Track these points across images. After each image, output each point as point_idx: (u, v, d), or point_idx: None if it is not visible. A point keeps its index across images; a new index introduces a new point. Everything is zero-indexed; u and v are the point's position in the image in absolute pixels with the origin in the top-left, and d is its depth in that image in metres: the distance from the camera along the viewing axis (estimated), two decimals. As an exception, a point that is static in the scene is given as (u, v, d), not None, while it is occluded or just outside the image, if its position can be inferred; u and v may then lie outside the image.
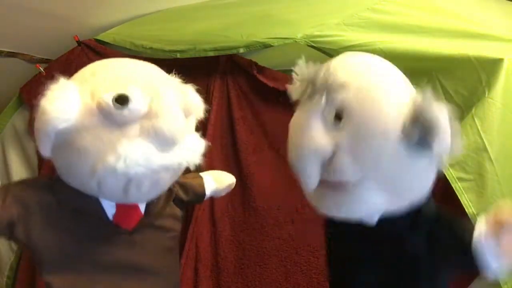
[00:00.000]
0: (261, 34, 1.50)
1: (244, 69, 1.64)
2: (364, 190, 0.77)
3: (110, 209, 0.93)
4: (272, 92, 1.59)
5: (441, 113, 0.73)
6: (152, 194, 0.94)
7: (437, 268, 0.86)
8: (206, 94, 1.67)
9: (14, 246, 1.88)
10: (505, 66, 1.17)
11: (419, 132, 0.72)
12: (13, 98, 1.97)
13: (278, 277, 1.60)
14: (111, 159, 0.81)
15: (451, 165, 1.17)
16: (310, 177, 0.75)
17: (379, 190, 0.77)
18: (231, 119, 1.67)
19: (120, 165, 0.81)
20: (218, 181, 1.27)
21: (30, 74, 1.93)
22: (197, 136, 0.94)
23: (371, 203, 0.78)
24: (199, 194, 1.21)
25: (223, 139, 1.67)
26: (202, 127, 1.05)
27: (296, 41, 1.41)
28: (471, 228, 0.82)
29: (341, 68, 0.77)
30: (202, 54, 1.61)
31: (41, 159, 1.87)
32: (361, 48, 1.30)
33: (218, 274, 1.64)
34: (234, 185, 1.34)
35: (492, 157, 1.14)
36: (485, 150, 1.15)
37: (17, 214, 0.88)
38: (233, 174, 1.65)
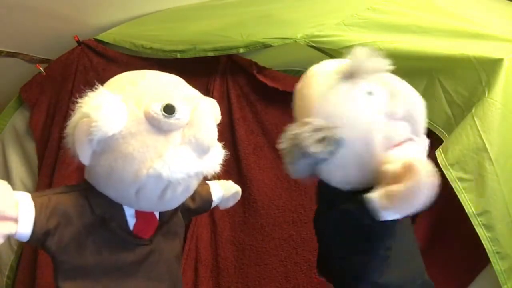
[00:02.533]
0: (261, 34, 1.50)
1: (244, 69, 1.64)
2: None
3: (130, 219, 0.95)
4: (272, 92, 1.59)
5: None
6: (182, 200, 0.97)
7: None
8: (206, 94, 1.67)
9: (14, 246, 1.88)
10: (505, 66, 1.17)
11: None
12: (13, 98, 1.98)
13: (278, 277, 1.60)
14: (157, 165, 0.84)
15: (451, 165, 1.17)
16: None
17: None
18: (231, 119, 1.67)
19: (166, 171, 0.84)
20: (224, 188, 1.27)
21: (30, 74, 1.93)
22: (219, 145, 0.98)
23: None
24: (206, 201, 1.21)
25: (223, 139, 1.66)
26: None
27: (296, 41, 1.41)
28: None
29: None
30: (202, 54, 1.61)
31: (41, 159, 1.87)
32: (361, 48, 1.30)
33: (218, 274, 1.64)
34: (240, 194, 1.33)
35: (492, 157, 1.14)
36: (485, 150, 1.15)
37: (56, 224, 0.88)
38: (233, 174, 1.66)
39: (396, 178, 0.80)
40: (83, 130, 0.84)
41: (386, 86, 0.94)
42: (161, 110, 0.85)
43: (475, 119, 1.17)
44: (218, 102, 1.66)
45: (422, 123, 0.97)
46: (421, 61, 1.26)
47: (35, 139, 1.91)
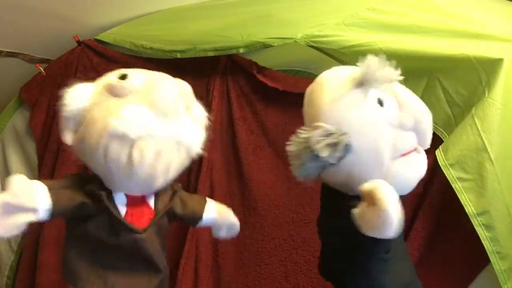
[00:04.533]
0: (261, 34, 1.50)
1: (244, 69, 1.64)
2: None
3: (121, 208, 0.99)
4: (272, 92, 1.59)
5: None
6: (158, 171, 0.96)
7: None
8: (206, 94, 1.67)
9: (14, 246, 1.88)
10: (505, 66, 1.17)
11: None
12: (13, 98, 1.98)
13: (278, 277, 1.60)
14: (112, 120, 0.91)
15: (451, 165, 1.17)
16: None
17: None
18: (231, 119, 1.67)
19: (121, 125, 0.90)
20: (220, 213, 1.21)
21: (30, 74, 1.94)
22: (199, 126, 1.03)
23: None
24: (195, 214, 1.17)
25: (223, 139, 1.67)
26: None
27: (296, 41, 1.41)
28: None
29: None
30: (202, 54, 1.61)
31: (41, 159, 1.87)
32: (361, 48, 1.30)
33: (218, 274, 1.64)
34: (237, 229, 1.26)
35: (492, 157, 1.14)
36: (485, 150, 1.15)
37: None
38: (233, 174, 1.66)
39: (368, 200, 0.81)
40: (61, 111, 0.98)
41: (395, 96, 0.96)
42: (116, 78, 0.98)
43: (475, 119, 1.17)
44: (218, 102, 1.69)
45: (429, 134, 0.99)
46: (421, 61, 1.25)
47: (35, 139, 1.91)
